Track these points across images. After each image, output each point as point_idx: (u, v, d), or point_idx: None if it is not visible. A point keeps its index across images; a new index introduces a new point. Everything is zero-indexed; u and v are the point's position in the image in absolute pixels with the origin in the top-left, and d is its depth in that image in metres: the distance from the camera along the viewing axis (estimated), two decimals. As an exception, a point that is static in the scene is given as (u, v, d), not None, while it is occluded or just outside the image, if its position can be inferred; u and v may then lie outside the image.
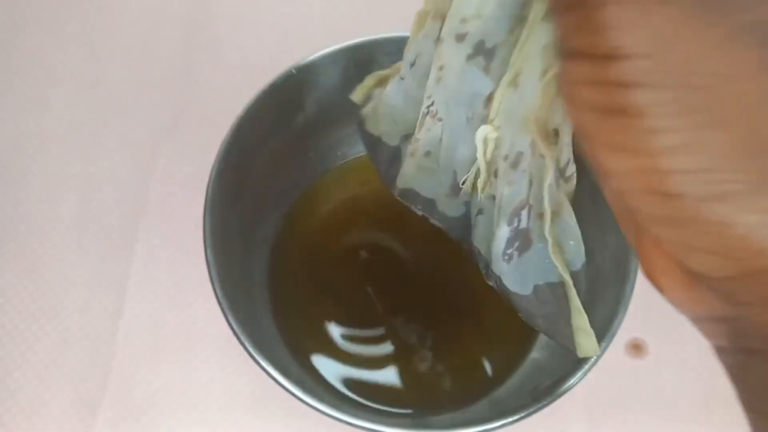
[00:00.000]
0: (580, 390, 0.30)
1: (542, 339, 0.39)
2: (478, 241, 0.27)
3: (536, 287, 0.25)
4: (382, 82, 0.28)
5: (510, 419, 0.29)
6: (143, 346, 0.40)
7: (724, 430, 0.38)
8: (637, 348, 0.40)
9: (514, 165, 0.22)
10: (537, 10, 0.19)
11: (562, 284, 0.25)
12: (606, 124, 0.12)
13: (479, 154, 0.23)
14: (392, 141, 0.28)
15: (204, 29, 0.49)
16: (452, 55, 0.21)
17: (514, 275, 0.25)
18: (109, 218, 0.43)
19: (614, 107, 0.12)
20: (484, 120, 0.22)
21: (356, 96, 0.29)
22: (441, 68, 0.22)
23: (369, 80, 0.29)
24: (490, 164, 0.23)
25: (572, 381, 0.30)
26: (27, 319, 0.40)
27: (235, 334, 0.30)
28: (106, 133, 0.45)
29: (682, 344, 0.40)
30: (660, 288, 0.14)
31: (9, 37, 0.48)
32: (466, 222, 0.28)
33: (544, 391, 0.31)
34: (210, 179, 0.33)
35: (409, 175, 0.27)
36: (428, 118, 0.24)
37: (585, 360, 0.30)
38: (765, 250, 0.11)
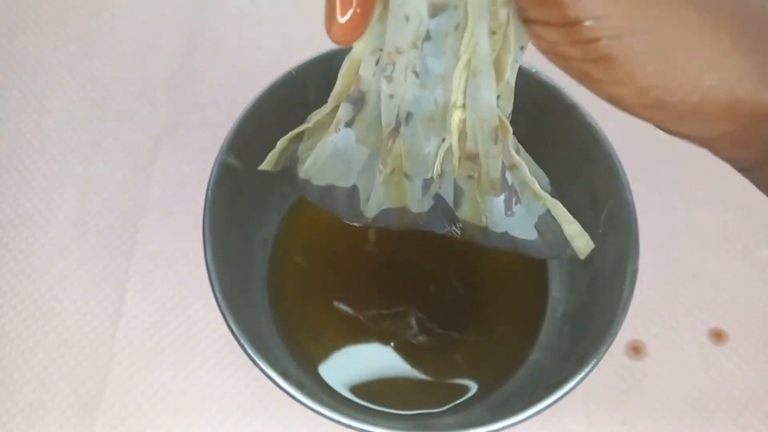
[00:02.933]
0: (580, 391, 0.30)
1: (542, 340, 0.39)
2: (468, 216, 0.29)
3: (536, 226, 0.27)
4: (297, 140, 0.29)
5: (510, 421, 0.29)
6: (143, 347, 0.40)
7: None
8: (636, 350, 0.40)
9: (495, 140, 0.24)
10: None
11: (548, 211, 0.27)
12: (593, 68, 0.16)
13: (453, 141, 0.25)
14: (347, 182, 0.28)
15: (204, 30, 0.49)
16: (401, 72, 0.23)
17: (520, 224, 0.28)
18: (109, 218, 0.43)
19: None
20: (445, 108, 0.24)
21: (268, 164, 0.30)
22: (391, 96, 0.24)
23: (281, 144, 0.29)
24: (462, 147, 0.25)
25: (572, 383, 0.30)
26: (26, 319, 0.40)
27: (234, 335, 0.30)
28: (106, 134, 0.45)
29: (682, 346, 0.40)
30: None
31: (9, 37, 0.48)
32: (438, 210, 0.29)
33: (543, 393, 0.31)
34: (210, 180, 0.33)
35: (379, 199, 0.29)
36: (390, 141, 0.25)
37: (585, 362, 0.30)
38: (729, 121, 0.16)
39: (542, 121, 0.35)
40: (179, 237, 0.42)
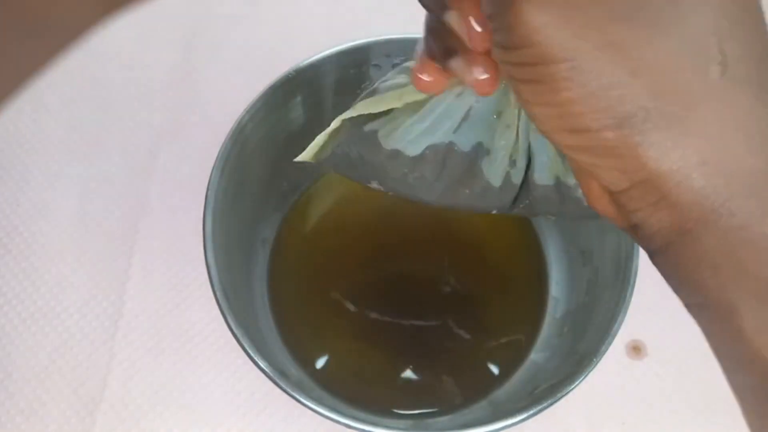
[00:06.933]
0: (580, 391, 0.30)
1: (542, 340, 0.39)
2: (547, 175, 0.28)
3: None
4: (361, 120, 0.28)
5: (510, 421, 0.29)
6: (143, 347, 0.40)
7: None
8: (636, 349, 0.40)
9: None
10: None
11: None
12: (526, 88, 0.17)
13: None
14: (415, 150, 0.27)
15: (204, 30, 0.49)
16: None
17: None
18: (109, 218, 0.43)
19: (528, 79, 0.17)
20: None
21: (308, 155, 0.29)
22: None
23: (321, 138, 0.29)
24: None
25: (572, 383, 0.30)
26: (26, 320, 0.40)
27: (234, 335, 0.30)
28: (106, 134, 0.45)
29: (681, 346, 0.40)
30: (595, 208, 0.19)
31: (9, 37, 0.48)
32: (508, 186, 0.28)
33: (543, 392, 0.31)
34: (210, 180, 0.33)
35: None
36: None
37: (585, 362, 0.30)
38: (644, 165, 0.16)
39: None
40: (179, 237, 0.42)
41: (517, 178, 0.27)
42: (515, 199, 0.28)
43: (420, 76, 0.23)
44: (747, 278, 0.16)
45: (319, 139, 0.29)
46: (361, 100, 0.28)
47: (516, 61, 0.17)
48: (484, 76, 0.21)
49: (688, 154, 0.16)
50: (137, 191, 0.44)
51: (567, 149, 0.18)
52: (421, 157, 0.27)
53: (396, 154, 0.27)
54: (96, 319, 0.40)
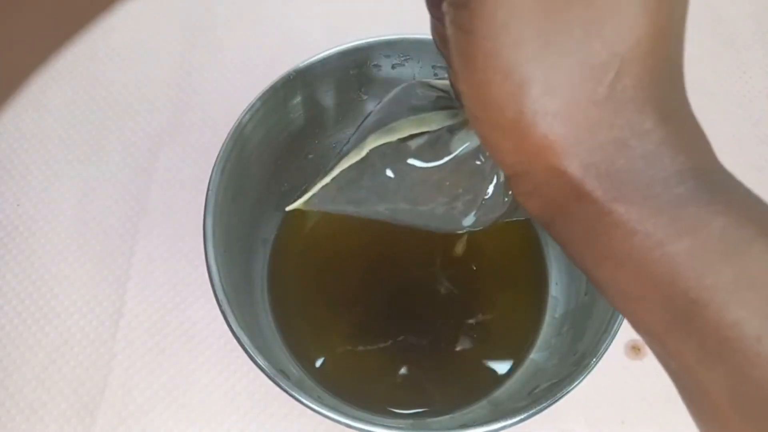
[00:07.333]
0: (580, 390, 0.30)
1: (542, 340, 0.39)
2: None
3: None
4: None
5: (510, 421, 0.29)
6: (143, 347, 0.40)
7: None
8: (636, 349, 0.40)
9: None
10: None
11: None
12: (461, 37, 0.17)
13: None
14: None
15: (204, 30, 0.49)
16: None
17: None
18: (109, 218, 0.43)
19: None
20: None
21: (298, 204, 0.29)
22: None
23: (308, 196, 0.29)
24: None
25: (572, 384, 0.30)
26: (27, 320, 0.40)
27: (234, 335, 0.30)
28: (106, 134, 0.45)
29: (682, 346, 0.40)
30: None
31: (9, 37, 0.48)
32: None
33: (543, 392, 0.31)
34: (210, 180, 0.33)
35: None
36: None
37: (585, 362, 0.30)
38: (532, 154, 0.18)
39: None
40: (179, 237, 0.42)
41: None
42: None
43: None
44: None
45: (308, 195, 0.29)
46: (344, 156, 0.28)
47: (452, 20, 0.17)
48: None
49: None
50: (137, 191, 0.44)
51: (478, 124, 0.19)
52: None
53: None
54: (96, 319, 0.40)
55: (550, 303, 0.40)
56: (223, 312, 0.30)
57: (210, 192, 0.33)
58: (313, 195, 0.29)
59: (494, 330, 0.40)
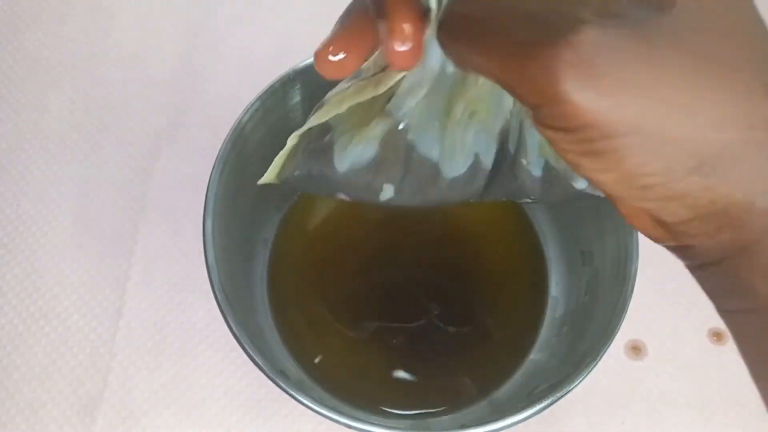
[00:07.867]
0: (580, 391, 0.30)
1: (542, 340, 0.39)
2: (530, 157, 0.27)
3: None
4: (317, 132, 0.27)
5: (510, 421, 0.29)
6: (143, 347, 0.40)
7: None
8: (636, 349, 0.40)
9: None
10: None
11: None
12: (585, 161, 0.17)
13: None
14: (371, 155, 0.27)
15: (204, 30, 0.49)
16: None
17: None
18: (109, 218, 0.43)
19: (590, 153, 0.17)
20: None
21: (270, 176, 0.28)
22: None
23: (280, 159, 0.27)
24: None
25: (572, 383, 0.30)
26: (26, 320, 0.40)
27: (234, 335, 0.30)
28: (106, 134, 0.45)
29: (681, 346, 0.40)
30: (634, 226, 0.19)
31: (9, 37, 0.48)
32: (472, 173, 0.27)
33: (543, 392, 0.31)
34: (210, 180, 0.33)
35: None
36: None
37: (585, 362, 0.30)
38: (714, 200, 0.16)
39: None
40: (179, 237, 0.42)
41: (487, 162, 0.27)
42: (487, 185, 0.28)
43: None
44: None
45: (278, 159, 0.28)
46: (313, 114, 0.27)
47: (574, 143, 0.16)
48: (403, 48, 0.19)
49: (755, 183, 0.16)
50: (137, 191, 0.44)
51: (630, 200, 0.17)
52: (381, 161, 0.26)
53: (354, 164, 0.26)
54: (96, 319, 0.40)
55: (550, 303, 0.40)
56: (222, 312, 0.30)
57: (210, 192, 0.33)
58: (284, 166, 0.28)
59: (494, 330, 0.40)
